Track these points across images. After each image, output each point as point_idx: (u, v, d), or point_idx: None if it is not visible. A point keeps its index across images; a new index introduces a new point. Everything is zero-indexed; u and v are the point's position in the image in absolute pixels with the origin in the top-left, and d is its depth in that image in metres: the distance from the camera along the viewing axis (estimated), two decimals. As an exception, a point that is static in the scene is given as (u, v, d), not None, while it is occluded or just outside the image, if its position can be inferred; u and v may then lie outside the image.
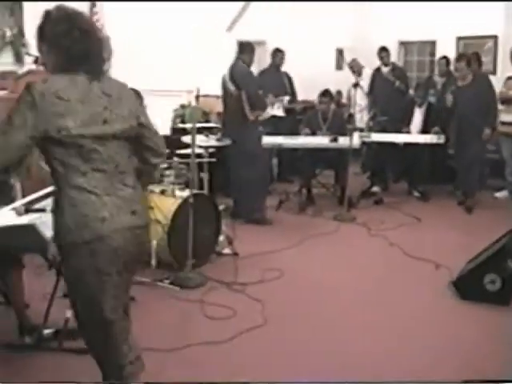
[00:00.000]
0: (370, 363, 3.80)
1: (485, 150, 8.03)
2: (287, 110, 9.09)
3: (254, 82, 6.92)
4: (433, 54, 10.87)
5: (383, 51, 9.56)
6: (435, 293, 4.94)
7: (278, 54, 9.24)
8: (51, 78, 2.55)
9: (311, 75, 10.56)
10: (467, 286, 4.80)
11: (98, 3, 8.79)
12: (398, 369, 3.72)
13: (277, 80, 9.08)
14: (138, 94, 5.51)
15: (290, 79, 9.36)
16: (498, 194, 8.42)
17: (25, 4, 7.32)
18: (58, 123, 2.46)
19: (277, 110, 8.70)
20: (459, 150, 7.82)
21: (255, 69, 7.26)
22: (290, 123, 8.95)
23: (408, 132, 8.31)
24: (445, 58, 9.21)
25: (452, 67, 8.78)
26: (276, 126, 8.47)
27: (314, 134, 7.95)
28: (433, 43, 10.96)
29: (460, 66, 7.63)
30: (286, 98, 9.00)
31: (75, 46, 2.57)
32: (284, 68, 9.37)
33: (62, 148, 2.50)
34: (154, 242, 5.17)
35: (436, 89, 9.02)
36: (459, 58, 7.78)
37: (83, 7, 8.53)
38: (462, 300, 4.77)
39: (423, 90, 8.62)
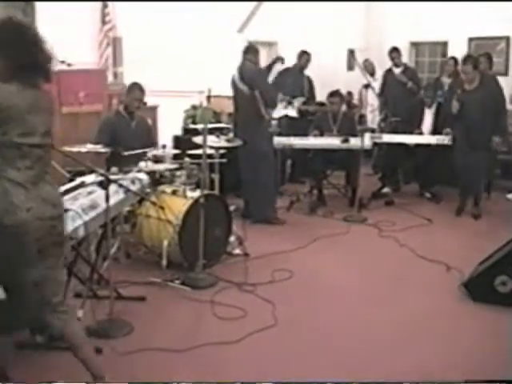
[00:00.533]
0: (380, 363, 3.80)
1: (494, 158, 7.74)
2: (300, 112, 9.08)
3: (265, 79, 6.99)
4: (444, 54, 10.82)
5: (394, 52, 9.53)
6: (446, 294, 4.93)
7: (304, 55, 9.24)
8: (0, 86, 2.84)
9: (322, 76, 10.55)
10: (478, 288, 4.78)
11: (109, 4, 8.82)
12: (408, 369, 3.72)
13: (297, 81, 9.08)
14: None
15: (310, 83, 9.38)
16: (510, 196, 8.37)
17: (37, 5, 7.34)
18: (3, 128, 2.80)
19: (290, 111, 8.70)
20: (466, 157, 7.17)
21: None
22: (303, 124, 8.94)
23: (420, 133, 8.29)
24: (453, 58, 9.17)
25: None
26: (289, 126, 8.48)
27: (322, 135, 7.94)
28: (444, 44, 10.92)
29: (467, 69, 7.07)
30: (300, 100, 8.97)
31: (22, 56, 2.86)
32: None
33: (4, 146, 2.85)
34: (165, 242, 5.18)
35: (443, 90, 8.98)
36: (465, 59, 7.15)
37: (96, 8, 8.59)
38: (473, 302, 4.75)
39: (432, 91, 8.59)
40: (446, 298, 4.86)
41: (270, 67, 7.44)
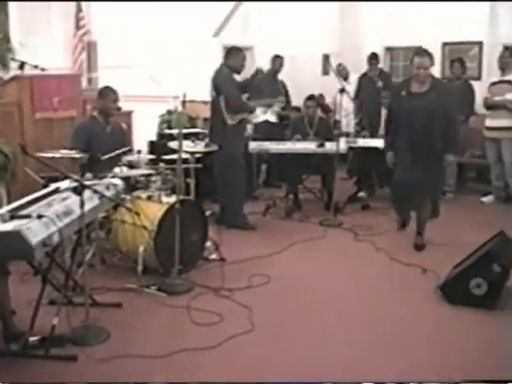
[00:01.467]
0: (359, 365, 3.82)
1: (441, 181, 6.68)
2: (280, 117, 9.09)
3: (232, 87, 6.80)
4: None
5: (373, 57, 9.59)
6: (422, 297, 4.96)
7: (277, 59, 9.24)
8: None
9: (298, 81, 10.58)
10: (453, 291, 4.82)
11: (84, 8, 8.77)
12: (387, 370, 3.74)
13: (273, 86, 9.06)
14: None
15: (285, 87, 9.35)
16: (484, 199, 8.46)
17: (10, 9, 7.28)
18: None
19: (269, 116, 8.69)
20: (407, 172, 5.99)
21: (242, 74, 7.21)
22: (281, 129, 8.96)
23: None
24: None
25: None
26: (267, 131, 8.47)
27: (304, 139, 7.96)
28: (418, 49, 10.97)
29: (424, 63, 5.74)
30: (280, 104, 8.93)
31: None
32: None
33: None
34: (141, 248, 5.15)
35: None
36: (421, 52, 5.89)
37: (70, 13, 8.54)
38: (449, 304, 4.78)
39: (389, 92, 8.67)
40: (423, 301, 4.89)
41: (251, 81, 7.34)
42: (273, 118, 8.88)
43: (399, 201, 6.39)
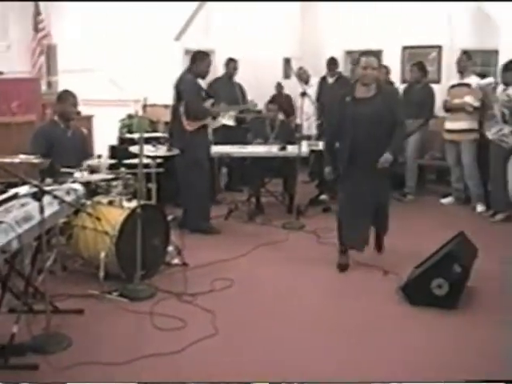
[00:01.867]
0: (324, 367, 3.83)
1: (387, 196, 5.98)
2: (237, 120, 9.08)
3: (194, 94, 6.77)
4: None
5: (332, 62, 9.66)
6: (384, 298, 5.00)
7: (231, 63, 9.22)
8: None
9: (259, 84, 10.61)
10: (415, 291, 4.86)
11: (42, 11, 8.68)
12: (351, 372, 3.75)
13: (229, 89, 9.03)
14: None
15: (242, 90, 9.32)
16: (444, 201, 8.57)
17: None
18: None
19: (227, 120, 8.67)
20: (353, 192, 5.52)
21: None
22: (240, 133, 8.95)
23: None
24: (384, 67, 9.37)
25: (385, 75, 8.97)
26: (226, 135, 8.45)
27: (265, 143, 7.98)
28: (379, 52, 11.08)
29: (371, 62, 5.24)
30: (254, 104, 8.86)
31: None
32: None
33: None
34: (102, 254, 5.10)
35: None
36: (366, 52, 5.43)
37: (28, 15, 8.43)
38: (411, 305, 4.83)
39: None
40: (384, 302, 4.93)
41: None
42: (230, 122, 8.87)
43: (351, 227, 5.60)
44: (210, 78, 8.74)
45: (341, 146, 5.54)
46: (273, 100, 8.29)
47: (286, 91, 10.90)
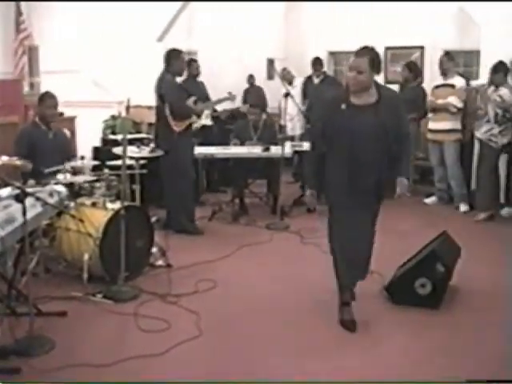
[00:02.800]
0: (306, 369, 3.83)
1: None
2: (214, 118, 9.06)
3: (176, 93, 6.76)
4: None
5: (317, 62, 9.68)
6: (368, 298, 4.99)
7: (193, 63, 9.16)
8: None
9: (243, 85, 10.62)
10: (399, 291, 4.89)
11: (24, 11, 8.63)
12: (335, 371, 3.76)
13: (198, 89, 8.96)
14: None
15: (204, 89, 9.21)
16: (428, 200, 8.62)
17: None
18: None
19: (205, 120, 8.65)
20: (352, 217, 4.39)
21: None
22: (219, 133, 8.94)
23: None
24: None
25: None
26: (206, 136, 8.43)
27: (242, 143, 7.98)
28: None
29: (359, 64, 4.31)
30: (232, 95, 8.79)
31: None
32: (214, 77, 9.35)
33: None
34: (86, 256, 5.08)
35: None
36: (358, 51, 4.52)
37: (10, 16, 8.38)
38: (394, 304, 4.85)
39: None
40: (369, 302, 4.93)
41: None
42: (208, 122, 8.86)
43: (352, 264, 4.53)
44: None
45: (333, 165, 4.39)
46: (246, 93, 8.25)
47: (270, 92, 10.89)
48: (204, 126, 8.52)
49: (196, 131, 7.90)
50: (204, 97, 8.62)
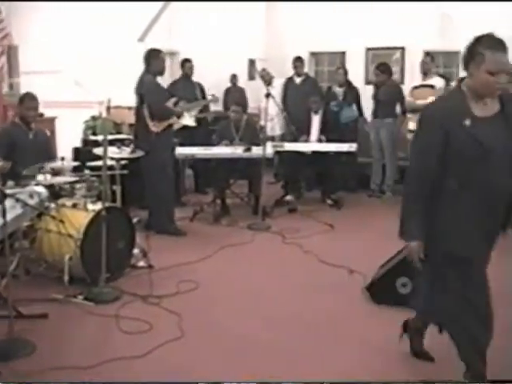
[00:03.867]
0: (287, 368, 3.84)
1: None
2: (198, 120, 9.06)
3: (156, 94, 6.74)
4: (343, 64, 11.06)
5: (298, 61, 9.71)
6: (350, 298, 5.03)
7: (186, 63, 9.20)
8: None
9: (224, 85, 10.61)
10: (380, 291, 4.90)
11: (2, 11, 8.56)
12: (316, 371, 3.77)
13: (188, 90, 8.98)
14: None
15: (202, 89, 9.29)
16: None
17: None
18: None
19: (187, 120, 8.63)
20: (481, 277, 3.40)
21: (167, 79, 7.14)
22: (202, 134, 8.93)
23: (306, 140, 8.53)
24: (342, 67, 9.46)
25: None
26: (189, 136, 8.42)
27: (226, 144, 7.97)
28: (343, 54, 11.18)
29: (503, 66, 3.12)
30: (197, 108, 8.81)
31: None
32: (196, 78, 9.34)
33: None
34: (67, 257, 5.05)
35: (337, 100, 9.23)
36: (496, 43, 3.07)
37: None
38: (376, 304, 4.87)
39: (318, 97, 8.82)
40: (350, 302, 4.96)
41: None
42: (191, 122, 8.85)
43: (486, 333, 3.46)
44: (174, 76, 8.74)
45: (453, 200, 3.28)
46: (237, 102, 8.28)
47: (251, 93, 10.89)
48: (187, 127, 8.50)
49: (177, 132, 7.89)
50: (193, 98, 8.62)
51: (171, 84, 9.04)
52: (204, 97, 9.16)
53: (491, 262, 3.47)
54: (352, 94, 9.22)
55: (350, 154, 8.36)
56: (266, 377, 3.71)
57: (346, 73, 9.34)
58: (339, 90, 9.29)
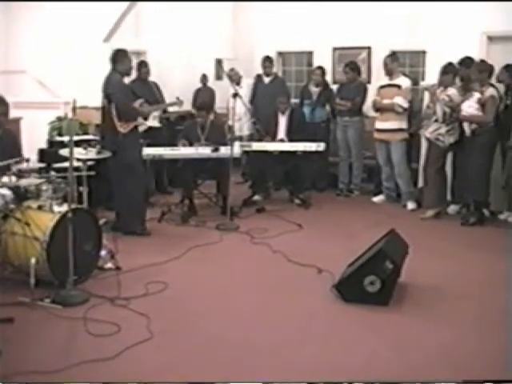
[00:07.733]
0: (257, 368, 3.84)
1: None
2: (161, 120, 9.01)
3: (123, 94, 6.69)
4: (310, 64, 11.10)
5: (267, 61, 9.72)
6: (318, 297, 5.05)
7: (142, 67, 9.00)
8: None
9: (191, 85, 10.58)
10: (349, 289, 4.93)
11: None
12: (288, 370, 3.79)
13: (147, 91, 8.82)
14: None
15: (158, 87, 9.15)
16: (376, 199, 8.72)
17: None
18: None
19: (151, 121, 8.56)
20: None
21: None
22: (167, 134, 8.88)
23: (268, 140, 8.57)
24: (320, 68, 9.49)
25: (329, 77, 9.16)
26: (153, 137, 8.36)
27: (191, 144, 7.93)
28: (310, 53, 11.21)
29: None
30: (179, 101, 8.69)
31: None
32: (163, 78, 9.28)
33: None
34: (33, 260, 4.97)
35: (312, 99, 9.27)
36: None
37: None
38: (345, 303, 4.89)
39: (285, 97, 8.85)
40: (319, 300, 4.98)
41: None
42: (155, 123, 8.80)
43: None
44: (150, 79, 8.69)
45: None
46: (202, 105, 8.28)
47: (219, 92, 10.87)
48: (151, 128, 8.45)
49: (144, 133, 7.84)
50: (153, 99, 8.54)
51: (129, 85, 8.92)
52: (161, 96, 9.06)
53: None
54: (326, 95, 9.26)
55: (320, 154, 8.38)
56: (236, 376, 3.72)
57: (323, 73, 9.38)
58: (315, 90, 9.32)
